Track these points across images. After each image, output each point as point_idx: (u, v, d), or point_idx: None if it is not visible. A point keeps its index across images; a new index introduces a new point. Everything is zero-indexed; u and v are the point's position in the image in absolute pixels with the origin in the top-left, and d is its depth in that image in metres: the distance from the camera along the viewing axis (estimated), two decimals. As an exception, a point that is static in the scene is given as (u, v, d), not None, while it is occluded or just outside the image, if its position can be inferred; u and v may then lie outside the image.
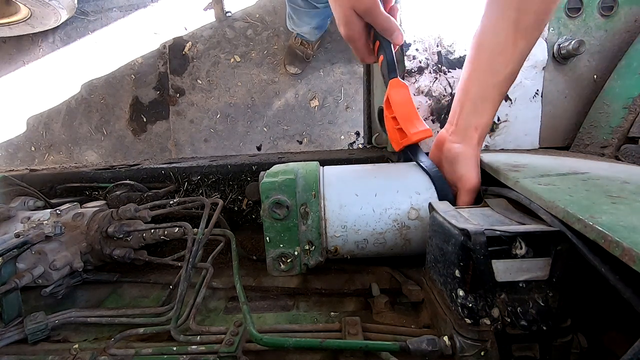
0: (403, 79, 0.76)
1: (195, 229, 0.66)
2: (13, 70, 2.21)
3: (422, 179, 0.61)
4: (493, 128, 0.74)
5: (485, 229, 0.39)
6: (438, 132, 0.69)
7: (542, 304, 0.39)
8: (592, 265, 0.34)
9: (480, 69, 0.59)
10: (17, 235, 0.59)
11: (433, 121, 0.76)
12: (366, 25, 0.62)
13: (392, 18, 0.60)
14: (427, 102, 0.76)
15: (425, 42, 0.75)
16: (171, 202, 0.76)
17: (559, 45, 0.71)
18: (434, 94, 0.76)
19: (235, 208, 0.88)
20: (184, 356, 0.48)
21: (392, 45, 0.64)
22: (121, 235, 0.67)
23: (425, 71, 0.75)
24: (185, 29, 2.07)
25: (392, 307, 0.56)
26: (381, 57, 0.64)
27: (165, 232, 0.69)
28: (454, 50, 0.75)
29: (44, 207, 0.81)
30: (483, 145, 0.74)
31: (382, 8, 0.59)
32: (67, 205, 0.72)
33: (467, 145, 0.59)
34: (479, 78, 0.59)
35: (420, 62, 0.75)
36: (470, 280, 0.40)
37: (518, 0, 0.53)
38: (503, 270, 0.39)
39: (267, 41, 2.01)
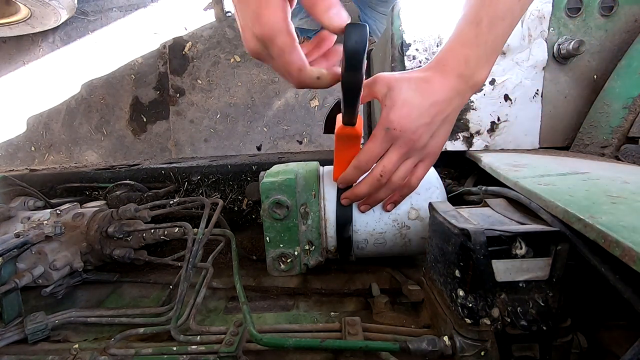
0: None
1: (195, 229, 0.66)
2: (13, 70, 2.21)
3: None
4: (493, 128, 0.74)
5: (485, 229, 0.39)
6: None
7: (542, 304, 0.39)
8: (592, 265, 0.34)
9: None
10: (17, 235, 0.59)
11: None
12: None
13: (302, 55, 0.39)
14: (427, 102, 0.76)
15: (425, 42, 0.75)
16: (171, 202, 0.76)
17: (559, 45, 0.71)
18: (434, 94, 0.75)
19: (235, 208, 0.88)
20: (184, 356, 0.48)
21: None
22: (121, 235, 0.67)
23: (425, 71, 0.75)
24: (185, 29, 2.07)
25: (392, 307, 0.56)
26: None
27: (165, 232, 0.69)
28: (454, 50, 0.74)
29: (44, 207, 0.81)
30: (483, 145, 0.74)
31: (295, 45, 0.38)
32: (67, 205, 0.72)
33: None
34: None
35: (420, 62, 0.75)
36: (470, 280, 0.40)
37: None
38: (503, 270, 0.39)
39: (267, 41, 2.01)
